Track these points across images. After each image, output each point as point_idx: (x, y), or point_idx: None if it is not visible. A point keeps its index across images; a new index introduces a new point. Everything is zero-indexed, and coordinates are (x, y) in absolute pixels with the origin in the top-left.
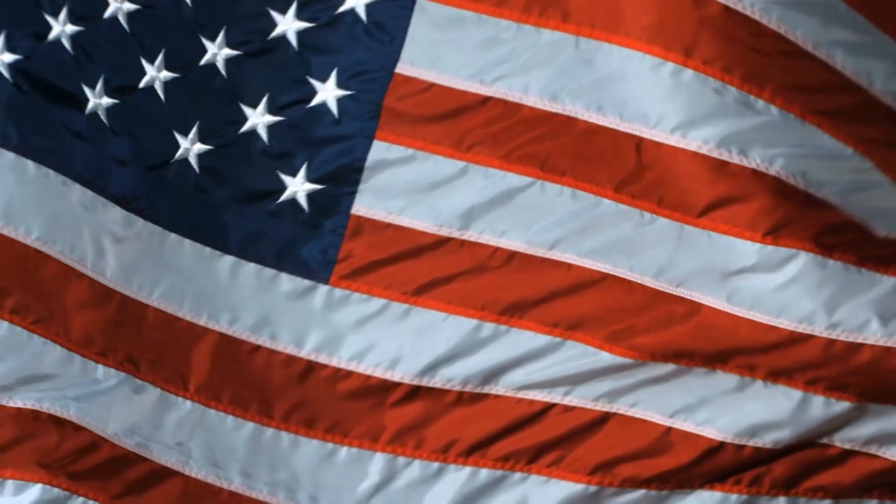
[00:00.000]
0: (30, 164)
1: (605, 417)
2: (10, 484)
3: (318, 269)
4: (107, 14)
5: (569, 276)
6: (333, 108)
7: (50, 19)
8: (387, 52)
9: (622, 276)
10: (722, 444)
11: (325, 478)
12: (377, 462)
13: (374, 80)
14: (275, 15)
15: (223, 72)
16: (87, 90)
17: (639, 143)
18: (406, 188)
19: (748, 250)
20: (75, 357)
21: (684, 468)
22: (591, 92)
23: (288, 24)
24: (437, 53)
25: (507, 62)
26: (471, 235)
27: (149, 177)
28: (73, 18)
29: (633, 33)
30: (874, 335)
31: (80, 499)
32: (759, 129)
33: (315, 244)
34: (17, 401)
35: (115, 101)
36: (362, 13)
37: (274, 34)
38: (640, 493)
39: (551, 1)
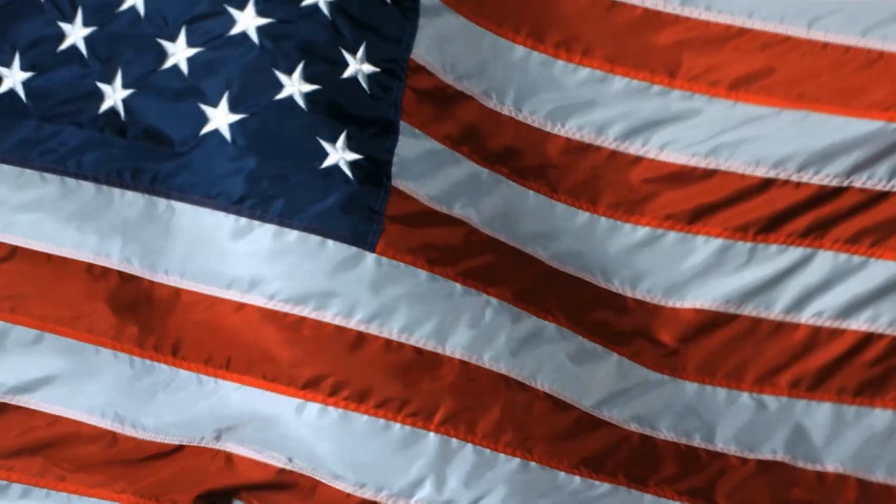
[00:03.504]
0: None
1: (627, 436)
2: None
3: (364, 237)
4: (123, 7)
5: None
6: (364, 83)
7: (64, 26)
8: (406, 35)
9: None
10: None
11: (378, 456)
12: (431, 443)
13: (396, 62)
14: None
15: (256, 40)
16: (102, 86)
17: None
18: (434, 176)
19: None
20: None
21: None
22: None
23: None
24: (441, 47)
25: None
26: (492, 233)
27: (174, 155)
28: (87, 21)
29: None
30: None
31: None
32: None
33: (360, 211)
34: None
35: (133, 90)
36: None
37: (306, 2)
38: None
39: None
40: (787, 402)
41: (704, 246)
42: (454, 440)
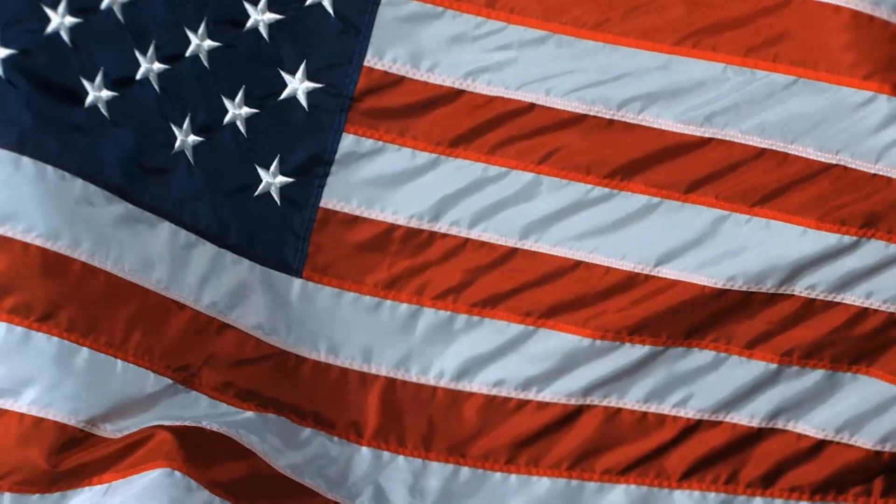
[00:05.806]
0: (25, 160)
1: (580, 411)
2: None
3: (291, 262)
4: (103, 6)
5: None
6: (303, 101)
7: (49, 11)
8: (354, 46)
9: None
10: (699, 423)
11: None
12: (364, 456)
13: (343, 73)
14: (248, 6)
15: (206, 63)
16: (85, 83)
17: None
18: (376, 180)
19: None
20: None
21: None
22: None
23: (259, 16)
24: (405, 47)
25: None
26: (440, 227)
27: (145, 168)
28: (71, 10)
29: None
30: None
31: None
32: None
33: (288, 237)
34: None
35: (115, 93)
36: (329, 7)
37: (247, 25)
38: (621, 487)
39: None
40: (776, 368)
41: (700, 216)
42: (385, 453)
